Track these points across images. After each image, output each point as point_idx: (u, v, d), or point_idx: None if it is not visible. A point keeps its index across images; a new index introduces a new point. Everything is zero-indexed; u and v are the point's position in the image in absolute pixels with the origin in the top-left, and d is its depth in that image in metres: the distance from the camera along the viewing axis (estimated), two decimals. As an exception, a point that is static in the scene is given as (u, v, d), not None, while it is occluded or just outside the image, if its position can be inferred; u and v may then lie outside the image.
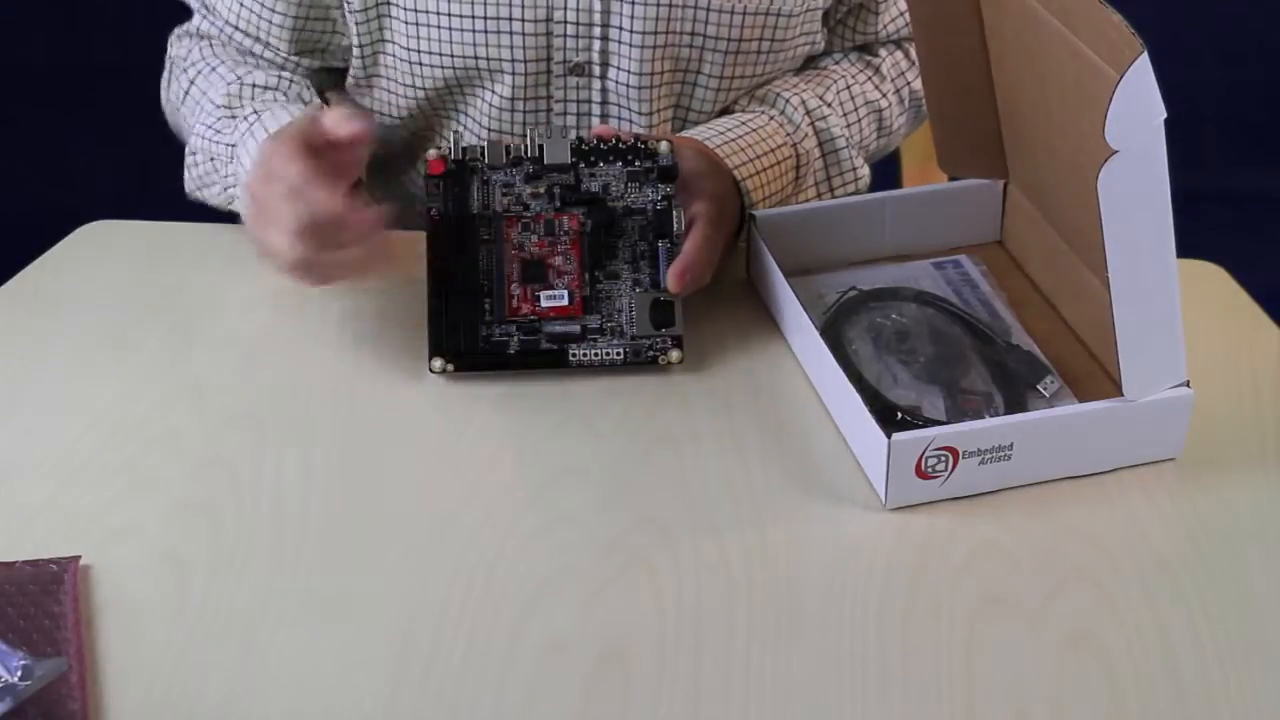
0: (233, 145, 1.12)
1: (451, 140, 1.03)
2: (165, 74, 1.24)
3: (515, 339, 1.00)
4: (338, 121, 0.96)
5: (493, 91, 1.16)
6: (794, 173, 1.14)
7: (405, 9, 1.13)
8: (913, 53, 1.23)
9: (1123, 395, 0.92)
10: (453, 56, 1.14)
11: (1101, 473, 0.93)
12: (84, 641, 0.81)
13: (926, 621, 0.84)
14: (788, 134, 1.14)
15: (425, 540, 0.89)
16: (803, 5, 1.15)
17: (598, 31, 1.12)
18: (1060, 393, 0.98)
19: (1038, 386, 0.98)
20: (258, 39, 1.18)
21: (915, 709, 0.79)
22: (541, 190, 1.02)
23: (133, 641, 0.82)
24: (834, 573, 0.87)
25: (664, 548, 0.88)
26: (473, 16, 1.11)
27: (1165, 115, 0.82)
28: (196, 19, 1.21)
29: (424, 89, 1.17)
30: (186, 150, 1.18)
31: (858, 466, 0.94)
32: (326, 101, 1.20)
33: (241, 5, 1.16)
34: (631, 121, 1.16)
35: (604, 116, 1.17)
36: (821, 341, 0.98)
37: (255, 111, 1.12)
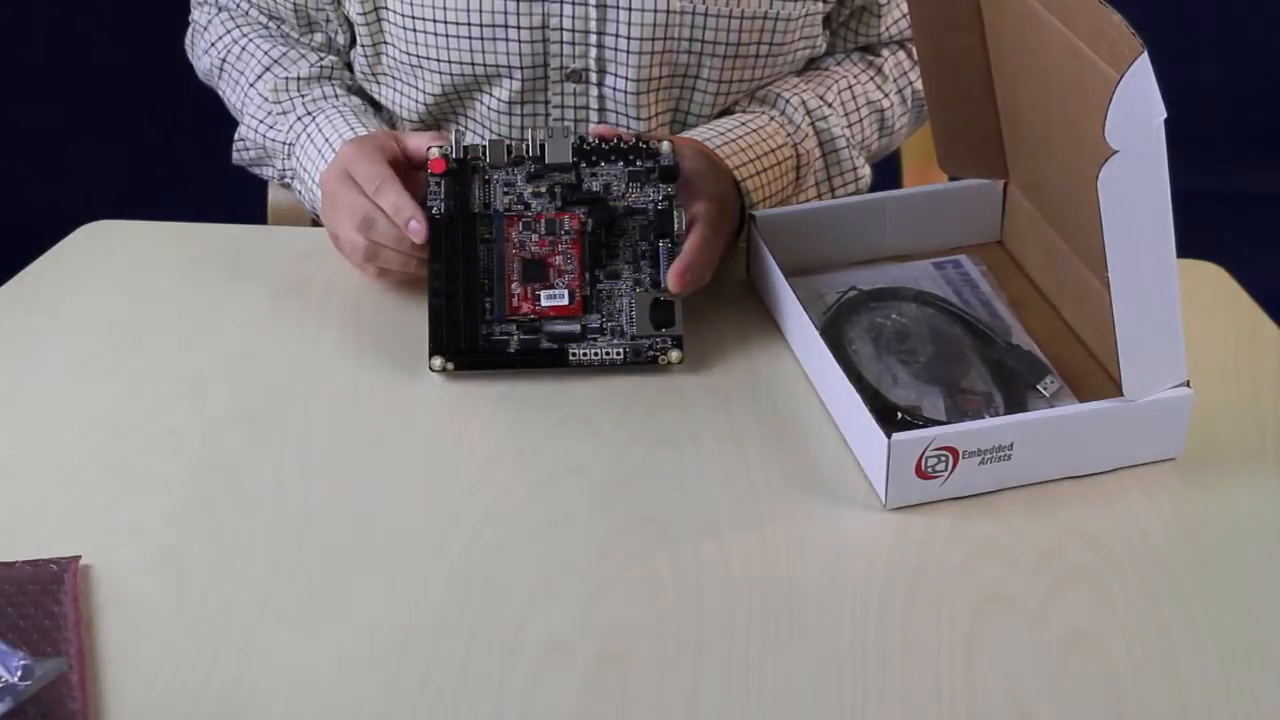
0: (289, 144, 1.18)
1: (453, 139, 1.02)
2: (189, 34, 1.27)
3: (515, 338, 1.00)
4: (422, 144, 1.03)
5: (492, 95, 1.16)
6: (794, 173, 1.14)
7: (401, 14, 1.13)
8: (915, 52, 1.23)
9: (1123, 395, 0.92)
10: (450, 63, 1.14)
11: (1101, 473, 0.93)
12: (84, 641, 0.81)
13: (926, 621, 0.84)
14: (788, 134, 1.14)
15: (425, 540, 0.89)
16: (802, 10, 1.15)
17: (594, 39, 1.12)
18: (1060, 393, 0.98)
19: (1038, 386, 0.98)
20: (271, 15, 1.21)
21: (915, 709, 0.79)
22: (543, 190, 1.02)
23: (133, 641, 0.82)
24: (834, 573, 0.87)
25: (664, 548, 0.88)
26: (469, 24, 1.12)
27: (1165, 115, 0.82)
28: None
29: (425, 91, 1.17)
30: (236, 133, 1.23)
31: (858, 466, 0.94)
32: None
33: None
34: (629, 127, 1.16)
35: (601, 121, 1.17)
36: (821, 341, 0.98)
37: (309, 112, 1.18)
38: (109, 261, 1.14)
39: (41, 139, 2.42)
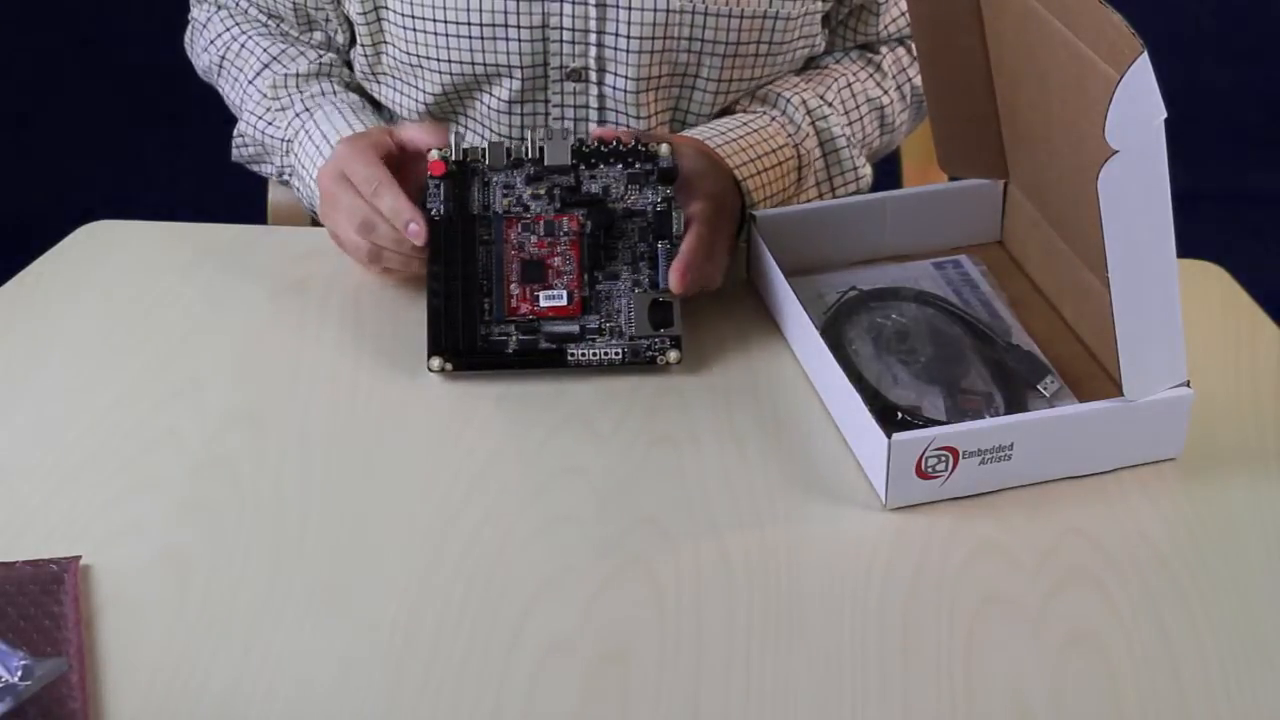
0: (287, 140, 1.18)
1: (453, 141, 1.02)
2: (188, 32, 1.27)
3: (514, 338, 1.00)
4: (417, 135, 1.03)
5: (491, 95, 1.16)
6: (795, 173, 1.14)
7: (400, 14, 1.13)
8: (914, 49, 1.23)
9: (1123, 395, 0.92)
10: (449, 62, 1.14)
11: (1101, 473, 0.93)
12: (84, 641, 0.81)
13: (926, 621, 0.83)
14: (789, 134, 1.14)
15: (425, 540, 0.89)
16: (801, 9, 1.15)
17: (593, 38, 1.12)
18: (1060, 393, 0.98)
19: (1038, 386, 0.98)
20: (270, 13, 1.21)
21: (915, 709, 0.79)
22: (542, 191, 1.02)
23: (133, 641, 0.82)
24: (834, 573, 0.87)
25: (664, 548, 0.88)
26: (469, 24, 1.12)
27: (1165, 115, 0.82)
28: None
29: (424, 90, 1.17)
30: (235, 130, 1.22)
31: (858, 466, 0.94)
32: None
33: None
34: (629, 126, 1.16)
35: (601, 121, 1.17)
36: (821, 341, 0.98)
37: (306, 109, 1.17)
38: (109, 261, 1.14)
39: (41, 139, 2.42)
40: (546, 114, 1.17)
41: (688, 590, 0.85)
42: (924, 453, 0.89)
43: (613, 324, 1.00)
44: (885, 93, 1.22)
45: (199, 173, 2.19)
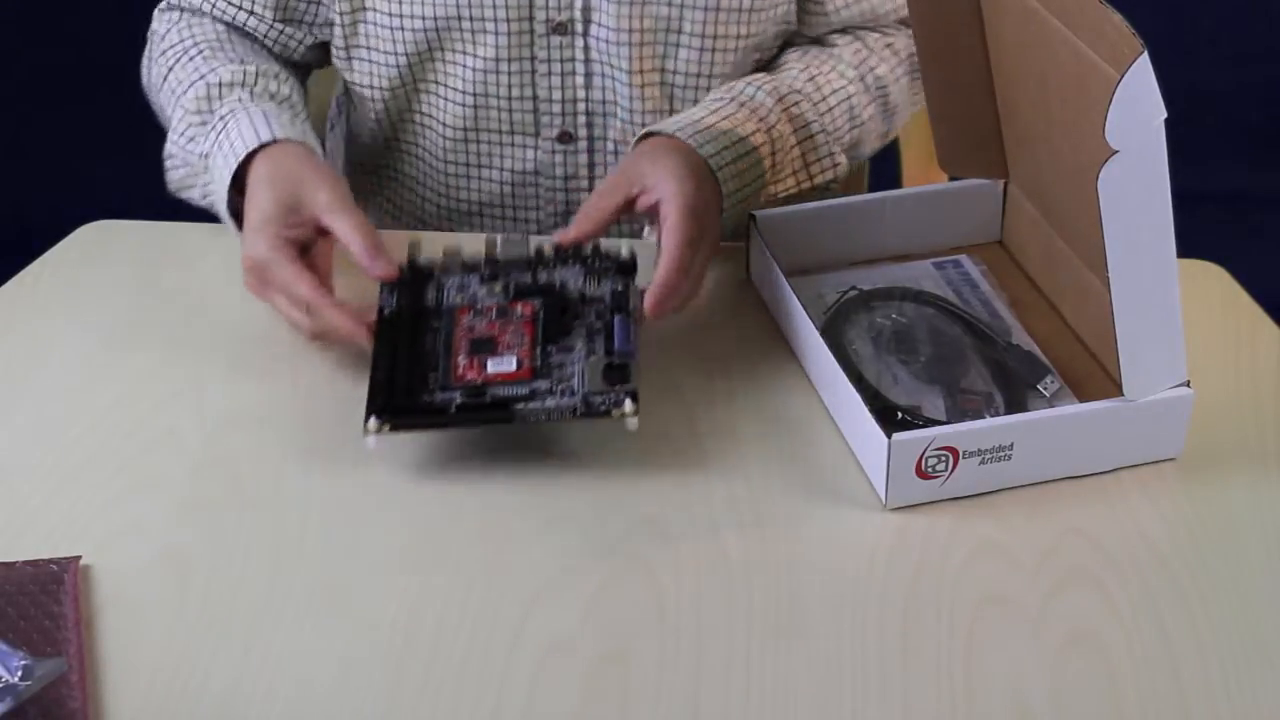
0: (205, 155, 1.10)
1: (407, 253, 0.99)
2: (146, 50, 1.23)
3: (457, 399, 0.92)
4: (346, 231, 1.00)
5: (475, 56, 1.15)
6: (770, 159, 1.12)
7: None
8: (870, 40, 1.21)
9: (1123, 395, 0.92)
10: (434, 19, 1.13)
11: (1101, 473, 0.93)
12: (84, 641, 0.81)
13: (926, 621, 0.84)
14: (760, 119, 1.12)
15: (425, 539, 0.89)
16: None
17: None
18: (1060, 393, 0.98)
19: (1038, 386, 0.98)
20: (242, 7, 1.18)
21: (915, 709, 0.79)
22: (497, 289, 0.98)
23: (133, 641, 0.82)
24: (834, 573, 0.87)
25: (664, 548, 0.88)
26: None
27: (1165, 115, 0.82)
28: None
29: (405, 54, 1.16)
30: (164, 151, 1.16)
31: (858, 466, 0.94)
32: (306, 90, 1.20)
33: None
34: (615, 79, 1.16)
35: (588, 75, 1.16)
36: (821, 341, 0.98)
37: (222, 118, 1.09)
38: (109, 261, 1.14)
39: (42, 140, 2.42)
40: (533, 70, 1.16)
41: (688, 590, 0.85)
42: (924, 453, 0.89)
43: (564, 385, 0.92)
44: (849, 83, 1.19)
45: (199, 173, 2.19)
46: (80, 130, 2.39)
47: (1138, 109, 0.82)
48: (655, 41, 1.15)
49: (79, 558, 0.86)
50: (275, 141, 1.05)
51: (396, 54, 1.16)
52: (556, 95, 1.17)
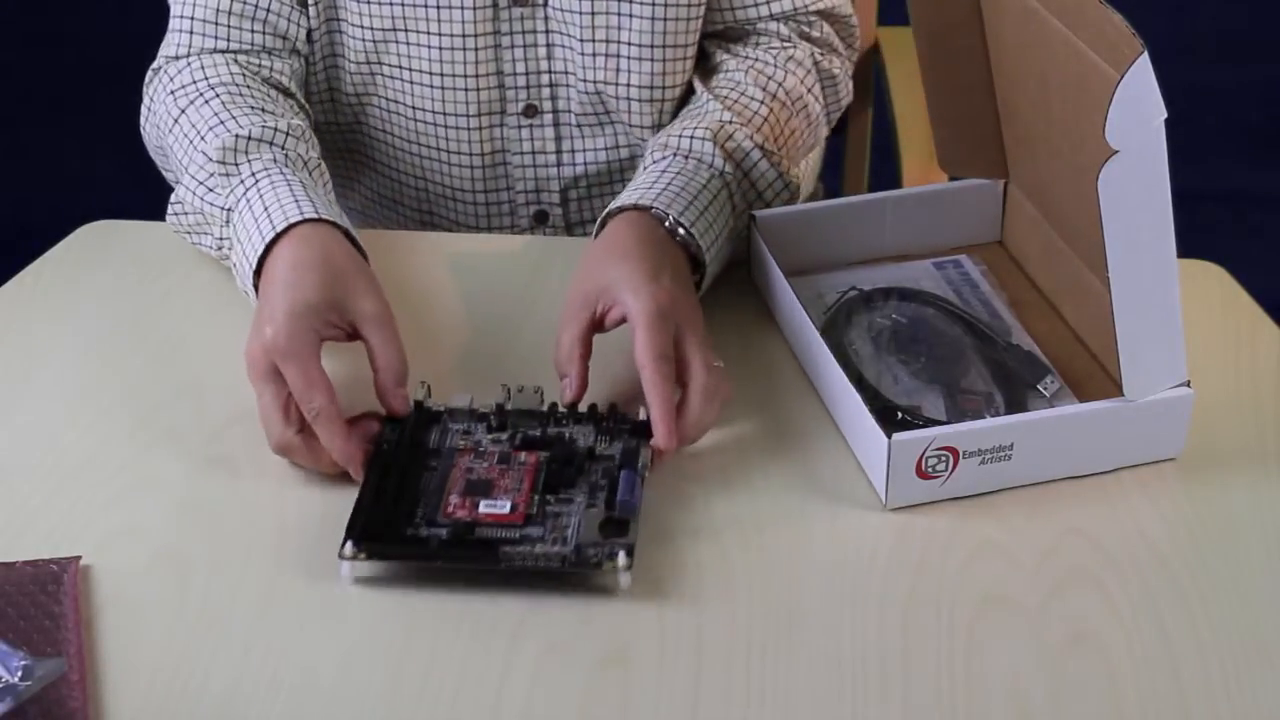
0: (228, 210, 1.05)
1: (416, 393, 0.96)
2: (145, 103, 1.18)
3: (442, 534, 0.86)
4: (381, 356, 0.95)
5: (439, 35, 1.15)
6: (730, 202, 1.09)
7: None
8: (766, 56, 1.18)
9: (1123, 395, 0.92)
10: (403, 6, 1.14)
11: (1101, 473, 0.93)
12: (84, 641, 0.81)
13: (926, 621, 0.83)
14: (709, 165, 1.09)
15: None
16: None
17: None
18: (1060, 393, 0.98)
19: (1038, 386, 0.98)
20: (246, 28, 1.16)
21: (915, 709, 0.79)
22: (503, 437, 0.94)
23: (133, 641, 0.82)
24: (834, 573, 0.87)
25: (664, 548, 0.88)
26: None
27: (1165, 115, 0.82)
28: (172, 41, 1.17)
29: (372, 29, 1.16)
30: (173, 195, 1.10)
31: (858, 466, 0.94)
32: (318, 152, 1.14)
33: None
34: (571, 48, 1.16)
35: (549, 45, 1.17)
36: (821, 341, 0.98)
37: (253, 175, 1.04)
38: (109, 261, 1.14)
39: (41, 140, 2.42)
40: (497, 45, 1.16)
41: (688, 590, 0.85)
42: (924, 453, 0.89)
43: (556, 535, 0.86)
44: (778, 69, 1.17)
45: (199, 173, 2.19)
46: (80, 130, 2.40)
47: (1138, 109, 0.82)
48: (608, 11, 1.15)
49: (79, 558, 0.86)
50: (315, 220, 1.00)
51: (365, 26, 1.16)
52: (521, 68, 1.18)
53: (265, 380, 0.92)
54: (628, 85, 1.18)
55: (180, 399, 1.00)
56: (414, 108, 1.20)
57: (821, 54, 1.21)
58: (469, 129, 1.20)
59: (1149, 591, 0.85)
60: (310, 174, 1.07)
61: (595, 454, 0.92)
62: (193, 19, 1.16)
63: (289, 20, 1.17)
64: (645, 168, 1.10)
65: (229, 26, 1.16)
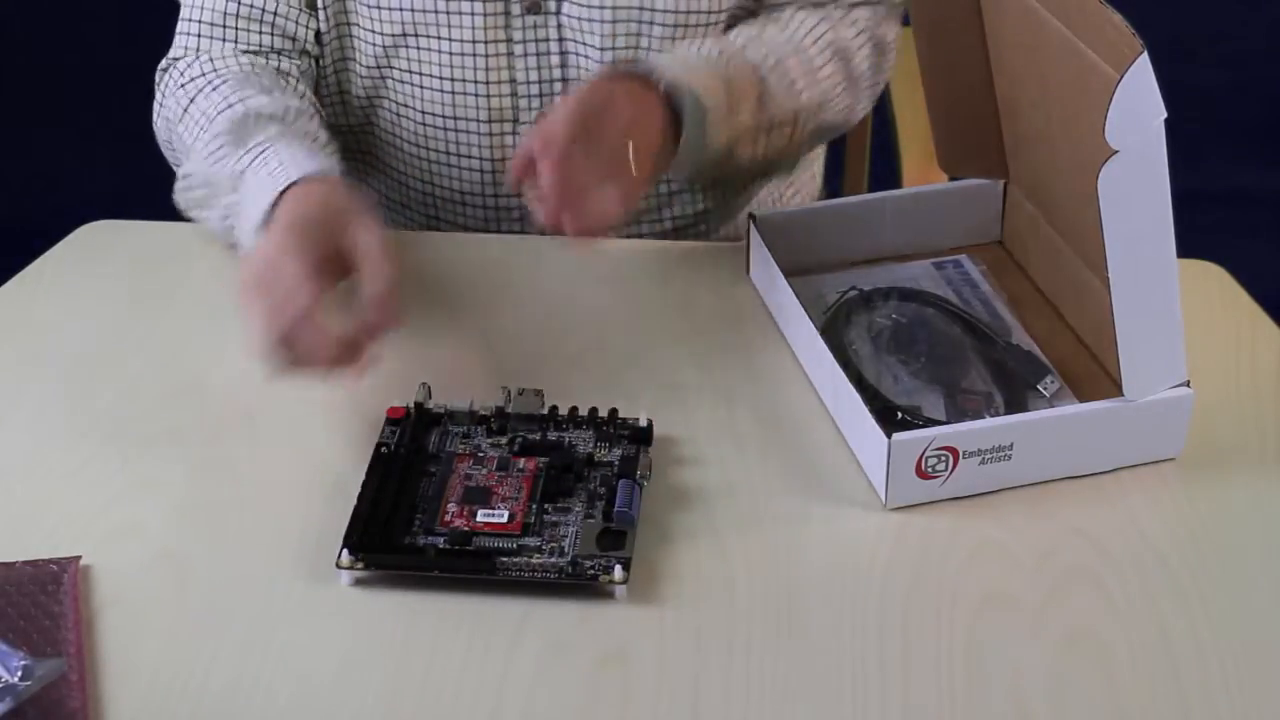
0: (240, 173, 1.04)
1: (416, 396, 0.97)
2: (157, 98, 1.19)
3: (439, 544, 0.87)
4: (368, 256, 0.93)
5: (450, 40, 1.15)
6: (726, 81, 1.10)
7: None
8: (831, 12, 1.19)
9: (1123, 395, 0.92)
10: (413, 11, 1.14)
11: (1101, 473, 0.93)
12: (84, 641, 0.81)
13: (926, 621, 0.84)
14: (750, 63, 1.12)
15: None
16: None
17: None
18: (1060, 393, 0.98)
19: (1038, 386, 0.98)
20: (257, 29, 1.16)
21: (915, 708, 0.79)
22: (503, 442, 0.94)
23: (133, 641, 0.82)
24: (834, 573, 0.87)
25: (664, 548, 0.88)
26: None
27: (1165, 115, 0.82)
28: (180, 44, 1.18)
29: (383, 34, 1.16)
30: (180, 171, 1.12)
31: (858, 466, 0.94)
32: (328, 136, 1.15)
33: None
34: (588, 58, 1.16)
35: (563, 54, 1.16)
36: (821, 341, 0.98)
37: (261, 144, 1.04)
38: (109, 261, 1.14)
39: (41, 140, 2.42)
40: (510, 53, 1.16)
41: (688, 590, 0.85)
42: (924, 452, 0.89)
43: (554, 545, 0.87)
44: (804, 37, 1.17)
45: (199, 173, 2.19)
46: (80, 130, 2.39)
47: (1138, 109, 0.82)
48: (629, 19, 1.15)
49: (79, 558, 0.86)
50: (323, 175, 1.00)
51: (377, 31, 1.16)
52: (534, 76, 1.17)
53: (256, 291, 0.91)
54: None
55: (180, 399, 1.00)
56: (424, 112, 1.19)
57: (875, 22, 1.21)
58: (479, 134, 1.19)
59: (1149, 591, 0.86)
60: (319, 146, 1.07)
61: (594, 460, 0.92)
62: (199, 22, 1.16)
63: (296, 22, 1.17)
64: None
65: (236, 29, 1.16)
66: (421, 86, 1.18)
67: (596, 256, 1.15)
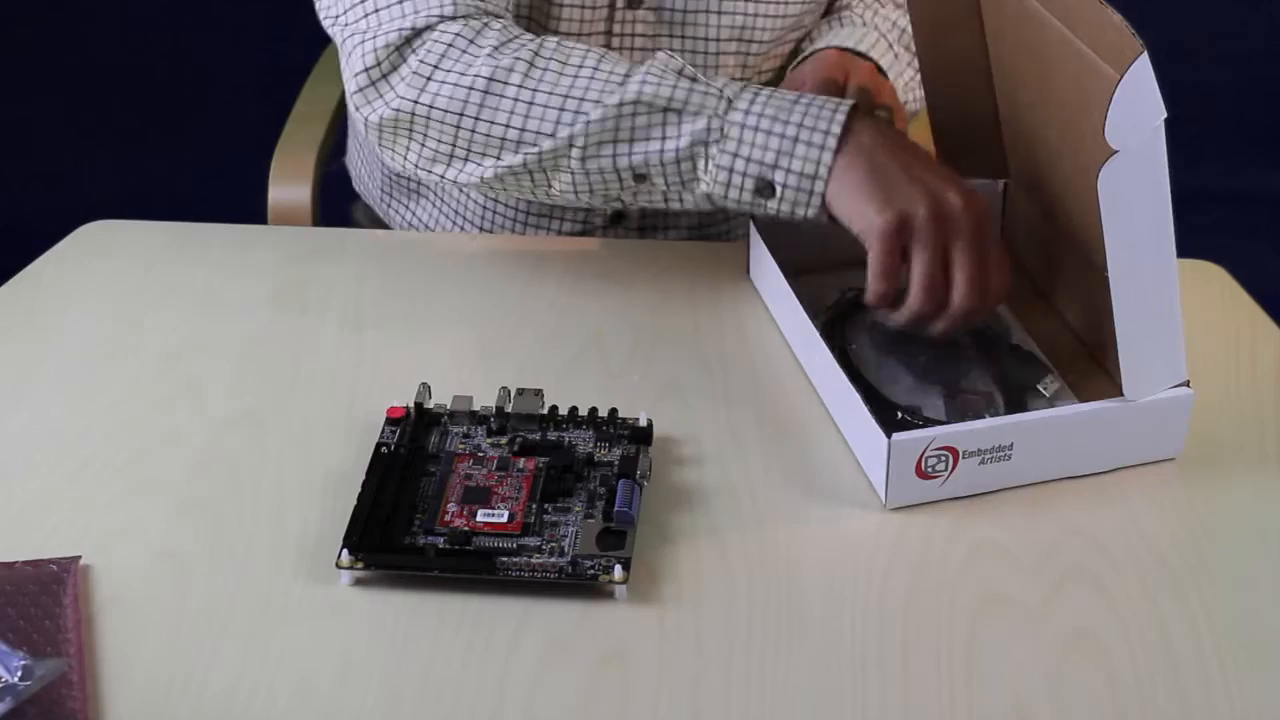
0: (728, 100, 0.97)
1: (416, 396, 0.96)
2: (427, 52, 1.02)
3: (439, 544, 0.87)
4: None
5: (554, 33, 1.14)
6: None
7: None
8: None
9: (1123, 395, 0.92)
10: (529, 6, 1.12)
11: (1101, 473, 0.93)
12: (84, 641, 0.81)
13: (926, 621, 0.84)
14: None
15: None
16: None
17: None
18: (1060, 392, 0.98)
19: (1038, 386, 0.98)
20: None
21: (915, 709, 0.79)
22: (503, 441, 0.94)
23: (133, 641, 0.82)
24: (834, 573, 0.87)
25: (664, 548, 0.88)
26: None
27: (1165, 115, 0.82)
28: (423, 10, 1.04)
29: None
30: (563, 121, 0.99)
31: (858, 466, 0.94)
32: None
33: None
34: (694, 51, 1.15)
35: (659, 50, 1.08)
36: (821, 341, 0.98)
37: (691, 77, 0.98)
38: (109, 261, 1.14)
39: (41, 139, 2.42)
40: (608, 45, 1.15)
41: (688, 590, 0.85)
42: (924, 453, 0.89)
43: (554, 545, 0.87)
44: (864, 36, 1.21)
45: (199, 173, 2.19)
46: (80, 130, 2.40)
47: (1138, 109, 0.82)
48: (733, 13, 1.14)
49: (79, 558, 0.86)
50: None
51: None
52: None
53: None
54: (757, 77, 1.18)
55: (180, 399, 1.00)
56: None
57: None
58: None
59: (1149, 591, 0.86)
60: None
61: (594, 460, 0.92)
62: None
63: None
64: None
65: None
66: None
67: (596, 257, 1.15)
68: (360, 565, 0.85)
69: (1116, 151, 0.83)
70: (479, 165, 1.03)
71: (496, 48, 1.02)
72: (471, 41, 1.02)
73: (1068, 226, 1.02)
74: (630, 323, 1.07)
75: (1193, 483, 0.93)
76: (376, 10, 1.03)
